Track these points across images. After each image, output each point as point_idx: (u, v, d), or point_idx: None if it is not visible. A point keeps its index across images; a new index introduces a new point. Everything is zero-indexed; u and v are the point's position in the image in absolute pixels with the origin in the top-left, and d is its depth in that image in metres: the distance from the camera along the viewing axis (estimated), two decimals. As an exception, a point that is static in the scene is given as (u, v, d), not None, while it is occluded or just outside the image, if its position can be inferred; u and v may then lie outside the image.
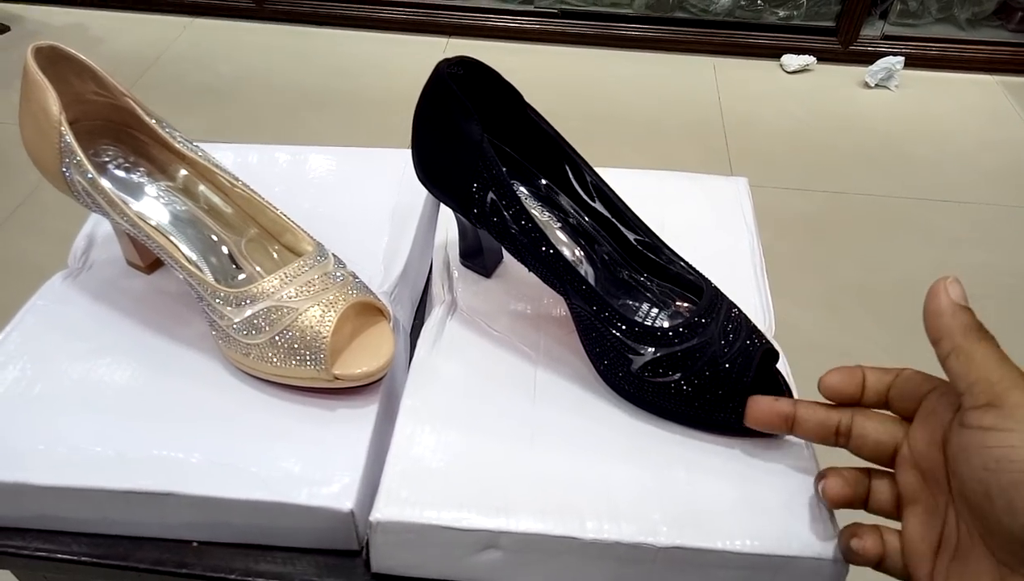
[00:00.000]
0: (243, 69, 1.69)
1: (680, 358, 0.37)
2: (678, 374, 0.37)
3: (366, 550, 0.37)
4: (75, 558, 0.38)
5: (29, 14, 1.86)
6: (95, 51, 1.74)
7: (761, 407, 0.36)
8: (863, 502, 0.34)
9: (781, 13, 1.73)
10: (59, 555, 0.39)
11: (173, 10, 1.86)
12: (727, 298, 0.39)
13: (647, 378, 0.38)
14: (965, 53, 1.71)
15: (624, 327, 0.38)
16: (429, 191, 0.42)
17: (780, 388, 0.38)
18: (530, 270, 0.40)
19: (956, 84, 1.70)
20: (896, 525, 0.33)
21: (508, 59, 1.73)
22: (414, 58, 1.72)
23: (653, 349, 0.38)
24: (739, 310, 0.39)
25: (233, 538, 0.38)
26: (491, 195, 0.39)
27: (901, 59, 1.66)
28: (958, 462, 0.28)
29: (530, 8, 1.78)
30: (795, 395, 0.39)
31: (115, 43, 1.77)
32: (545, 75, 1.69)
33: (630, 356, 0.38)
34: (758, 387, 0.37)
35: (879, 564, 0.32)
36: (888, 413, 0.34)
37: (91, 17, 1.85)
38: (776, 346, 0.42)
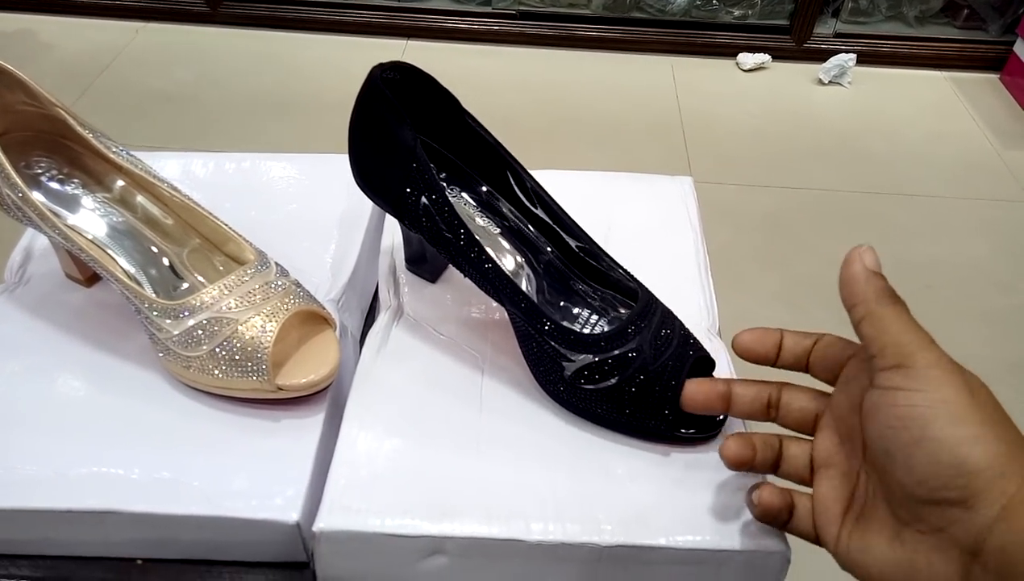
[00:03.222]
0: (198, 74, 1.67)
1: (611, 365, 0.37)
2: (611, 380, 0.37)
3: (314, 562, 0.37)
4: (14, 581, 0.38)
5: (-27, 21, 1.81)
6: (45, 58, 1.70)
7: (701, 388, 0.36)
8: (773, 466, 0.34)
9: (736, 12, 1.76)
10: (-3, 578, 0.38)
11: (124, 15, 1.82)
12: (663, 305, 0.40)
13: (580, 385, 0.38)
14: (914, 50, 1.76)
15: (556, 333, 0.38)
16: (367, 196, 0.42)
17: None
18: (465, 275, 0.40)
19: (907, 80, 1.74)
20: (807, 490, 0.34)
21: (467, 61, 1.73)
22: (372, 61, 1.71)
23: (584, 355, 0.38)
24: (675, 318, 0.40)
25: (179, 554, 0.38)
26: (424, 200, 0.39)
27: (853, 56, 1.69)
28: (867, 421, 0.29)
29: (488, 10, 1.78)
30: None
31: (65, 49, 1.73)
32: (504, 76, 1.69)
33: (562, 363, 0.38)
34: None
35: (788, 524, 0.33)
36: (815, 388, 0.35)
37: (39, 23, 1.80)
38: (722, 351, 0.42)
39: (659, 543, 0.35)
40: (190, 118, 1.55)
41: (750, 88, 1.69)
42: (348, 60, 1.72)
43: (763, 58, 1.73)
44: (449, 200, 0.39)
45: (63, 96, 0.42)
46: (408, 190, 0.39)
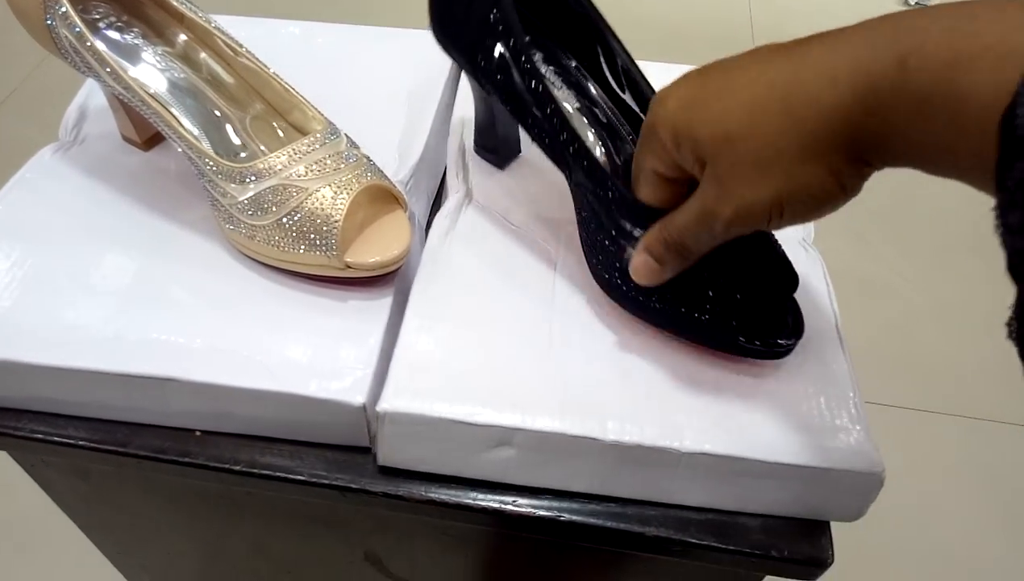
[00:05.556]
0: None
1: None
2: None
3: (375, 445, 0.36)
4: (72, 442, 0.37)
5: None
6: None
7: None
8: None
9: (820, -81, 1.62)
10: (55, 438, 0.37)
11: None
12: None
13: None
14: (1012, -29, 1.61)
15: (624, 209, 0.34)
16: (440, 46, 0.38)
17: (785, 319, 0.35)
18: (533, 140, 0.37)
19: (999, 5, 1.61)
20: None
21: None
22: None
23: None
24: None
25: (238, 429, 0.37)
26: (499, 47, 0.35)
27: (943, -25, 1.56)
28: None
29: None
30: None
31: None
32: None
33: (627, 246, 0.34)
34: (761, 309, 0.34)
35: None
36: None
37: None
38: (817, 262, 0.39)
39: (744, 454, 0.33)
40: None
41: (830, 4, 1.58)
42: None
43: (844, -28, 1.61)
44: (530, 51, 0.35)
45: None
46: (488, 41, 0.35)
